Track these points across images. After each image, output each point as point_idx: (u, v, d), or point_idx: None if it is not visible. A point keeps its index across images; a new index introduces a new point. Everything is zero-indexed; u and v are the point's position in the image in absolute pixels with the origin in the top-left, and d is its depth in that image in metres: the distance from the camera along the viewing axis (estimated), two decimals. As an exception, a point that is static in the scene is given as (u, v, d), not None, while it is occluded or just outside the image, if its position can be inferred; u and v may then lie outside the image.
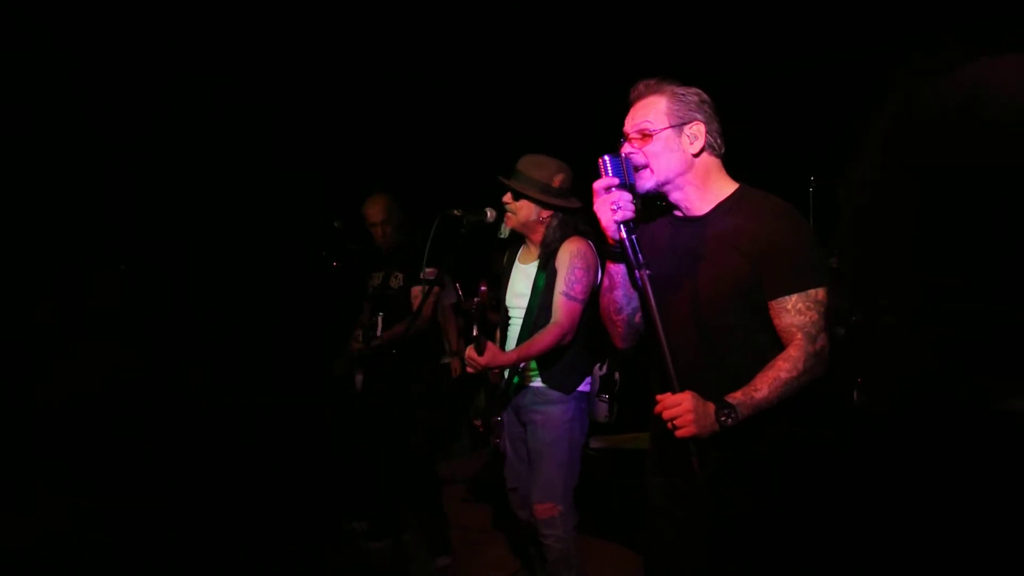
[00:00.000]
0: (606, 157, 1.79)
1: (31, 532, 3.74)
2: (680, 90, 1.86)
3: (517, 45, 4.90)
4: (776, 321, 1.76)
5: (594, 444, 4.54)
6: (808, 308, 1.73)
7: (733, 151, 1.91)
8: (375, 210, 3.65)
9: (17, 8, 4.25)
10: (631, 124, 1.88)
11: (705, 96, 1.88)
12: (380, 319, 3.42)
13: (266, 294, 5.07)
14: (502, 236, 2.89)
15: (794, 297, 1.73)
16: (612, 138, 1.91)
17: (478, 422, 2.97)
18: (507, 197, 2.77)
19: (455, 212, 2.57)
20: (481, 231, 2.69)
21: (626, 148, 1.88)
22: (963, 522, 2.97)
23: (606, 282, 1.98)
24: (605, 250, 1.91)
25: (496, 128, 5.11)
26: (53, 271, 4.73)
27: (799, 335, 1.72)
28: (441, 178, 5.05)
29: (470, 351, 2.57)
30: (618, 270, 1.91)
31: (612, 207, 1.75)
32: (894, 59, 4.33)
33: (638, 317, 1.97)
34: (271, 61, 4.84)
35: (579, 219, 2.78)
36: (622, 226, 1.76)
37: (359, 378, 3.53)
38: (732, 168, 1.92)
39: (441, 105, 5.49)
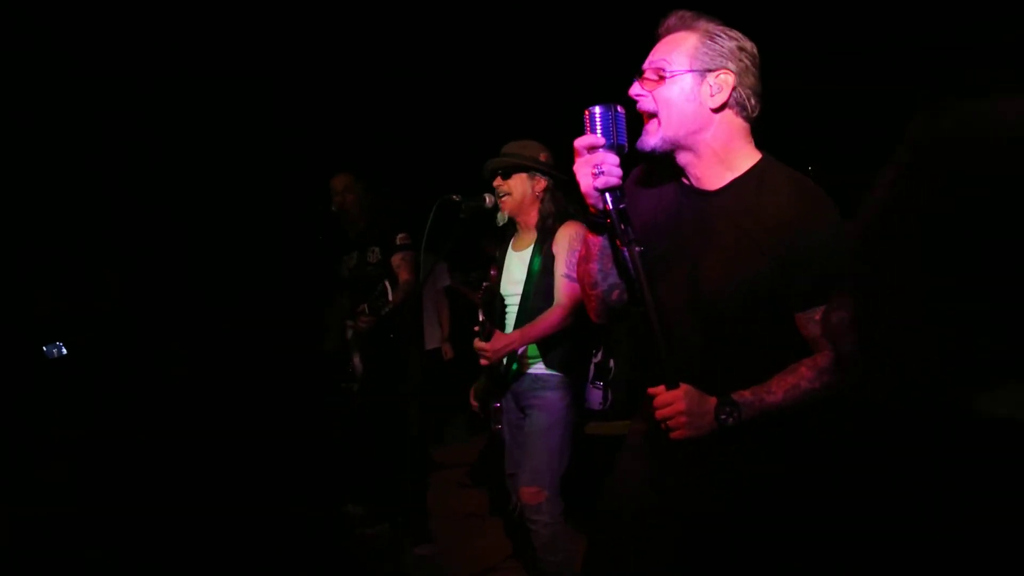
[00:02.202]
0: (596, 108, 1.51)
1: (32, 531, 3.76)
2: (717, 30, 1.54)
3: (512, 37, 4.96)
4: (803, 331, 1.53)
5: (589, 431, 4.56)
6: None
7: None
8: (338, 180, 3.79)
9: (17, 8, 4.30)
10: (649, 61, 1.57)
11: (747, 44, 1.55)
12: (387, 286, 3.45)
13: (265, 279, 5.13)
14: (500, 223, 2.92)
15: (825, 308, 1.46)
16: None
17: (475, 403, 3.00)
18: (498, 180, 2.81)
19: (453, 197, 2.61)
20: (479, 217, 2.74)
21: (635, 88, 1.58)
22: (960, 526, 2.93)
23: (582, 251, 1.72)
24: (586, 218, 1.66)
25: (488, 119, 5.18)
26: (53, 267, 4.75)
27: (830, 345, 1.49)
28: (435, 167, 5.13)
29: (478, 342, 2.62)
30: (596, 241, 1.65)
31: (593, 171, 1.50)
32: (893, 57, 4.39)
33: (615, 295, 1.72)
34: (272, 53, 4.89)
35: (569, 201, 2.82)
36: (607, 194, 1.51)
37: (356, 361, 3.55)
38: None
39: (435, 95, 5.57)
